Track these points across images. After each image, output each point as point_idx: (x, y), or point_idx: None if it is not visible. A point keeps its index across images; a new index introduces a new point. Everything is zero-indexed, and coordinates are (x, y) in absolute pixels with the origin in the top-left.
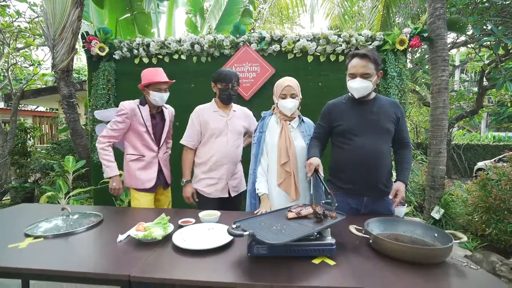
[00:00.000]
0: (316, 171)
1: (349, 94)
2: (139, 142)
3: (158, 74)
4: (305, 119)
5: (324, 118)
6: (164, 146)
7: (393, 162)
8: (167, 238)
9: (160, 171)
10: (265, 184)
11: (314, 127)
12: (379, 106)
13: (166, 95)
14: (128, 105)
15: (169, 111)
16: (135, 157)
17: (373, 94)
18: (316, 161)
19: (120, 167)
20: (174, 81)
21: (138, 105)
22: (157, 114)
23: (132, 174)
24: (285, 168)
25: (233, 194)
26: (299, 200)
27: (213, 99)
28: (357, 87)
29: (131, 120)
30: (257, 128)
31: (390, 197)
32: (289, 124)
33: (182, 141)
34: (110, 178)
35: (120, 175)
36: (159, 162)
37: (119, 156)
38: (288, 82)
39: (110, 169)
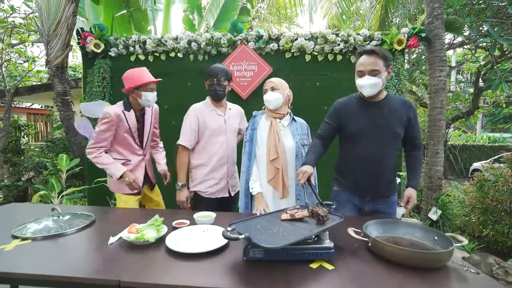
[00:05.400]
0: (308, 179)
1: (359, 93)
2: (123, 147)
3: (145, 74)
4: (297, 118)
5: (332, 116)
6: (148, 147)
7: (398, 162)
8: (160, 240)
9: (145, 172)
10: (259, 183)
11: (321, 125)
12: (389, 109)
13: (156, 94)
14: (113, 111)
15: (152, 109)
16: (121, 162)
17: (384, 94)
18: (310, 169)
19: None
20: (161, 80)
21: (123, 111)
22: (140, 116)
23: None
24: (275, 164)
25: (232, 194)
26: (288, 197)
27: (207, 97)
28: (365, 84)
29: (116, 127)
30: (248, 126)
31: (402, 204)
32: (280, 122)
33: (180, 142)
34: (120, 178)
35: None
36: (145, 164)
37: None
38: (271, 79)
39: (114, 169)
